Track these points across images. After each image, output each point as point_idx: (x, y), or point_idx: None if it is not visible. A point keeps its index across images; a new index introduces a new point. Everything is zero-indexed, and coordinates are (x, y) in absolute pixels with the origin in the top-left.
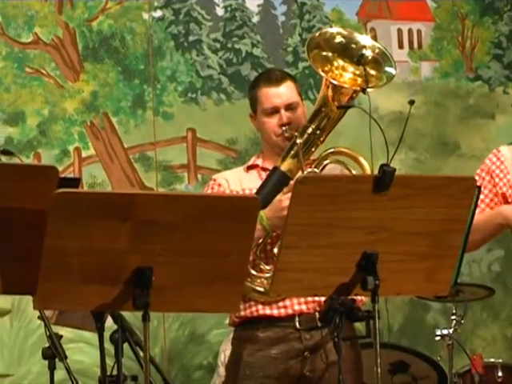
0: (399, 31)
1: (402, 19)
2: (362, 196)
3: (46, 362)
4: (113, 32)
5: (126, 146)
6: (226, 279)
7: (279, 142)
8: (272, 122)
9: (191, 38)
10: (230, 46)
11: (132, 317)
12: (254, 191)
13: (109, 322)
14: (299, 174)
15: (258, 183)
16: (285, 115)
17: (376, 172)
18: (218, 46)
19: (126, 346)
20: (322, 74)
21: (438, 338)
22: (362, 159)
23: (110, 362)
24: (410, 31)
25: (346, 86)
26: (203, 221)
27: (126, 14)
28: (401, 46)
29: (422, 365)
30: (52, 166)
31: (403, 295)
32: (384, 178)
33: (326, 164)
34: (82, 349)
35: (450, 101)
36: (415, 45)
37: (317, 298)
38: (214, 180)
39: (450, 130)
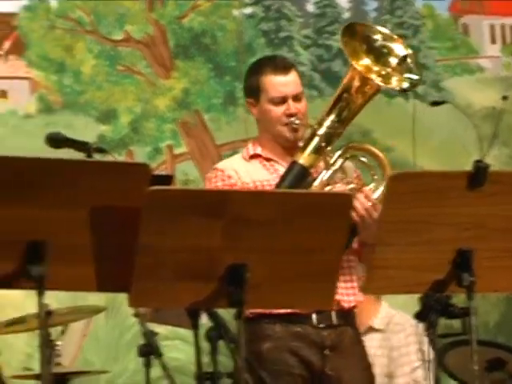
0: (492, 27)
1: (494, 14)
2: (456, 192)
3: (142, 360)
4: (203, 29)
5: (217, 143)
6: (319, 276)
7: (284, 131)
8: (278, 111)
9: (282, 35)
10: (320, 42)
11: (227, 314)
12: (266, 184)
13: (204, 319)
14: (322, 166)
15: (265, 174)
16: (293, 105)
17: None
18: (309, 42)
19: (221, 343)
20: (355, 64)
21: None
22: (384, 158)
23: (205, 359)
24: (502, 26)
25: (379, 82)
26: (296, 218)
27: (217, 11)
28: (493, 41)
29: None
30: (144, 163)
31: (500, 292)
32: (478, 175)
33: (346, 159)
34: (178, 346)
35: None
36: (508, 40)
37: (337, 297)
38: (222, 171)
39: None
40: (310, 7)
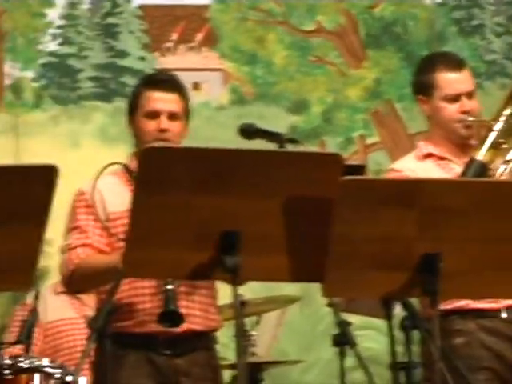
0: None
1: None
2: None
3: (336, 349)
4: (394, 18)
5: (410, 132)
6: None
7: (458, 129)
8: (452, 109)
9: (474, 23)
10: None
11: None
12: None
13: (398, 309)
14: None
15: (441, 173)
16: (467, 103)
17: None
18: (501, 30)
19: (415, 332)
20: None
21: None
22: None
23: (400, 349)
24: None
25: None
26: (489, 206)
27: (408, 0)
28: None
29: None
30: (336, 153)
31: None
32: None
33: None
34: (372, 336)
35: None
36: None
37: None
38: (400, 172)
39: None
40: None
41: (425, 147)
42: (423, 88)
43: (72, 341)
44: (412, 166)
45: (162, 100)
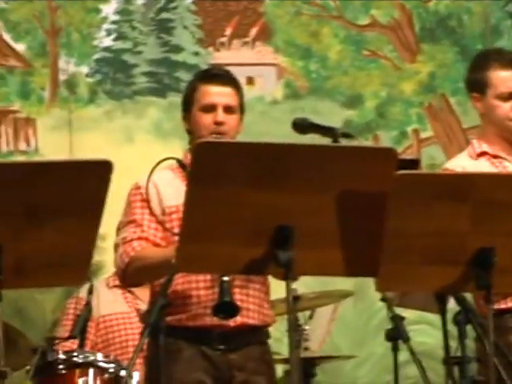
0: None
1: None
2: None
3: (389, 344)
4: (449, 12)
5: (464, 126)
6: None
7: None
8: (506, 107)
9: None
10: None
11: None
12: None
13: (451, 304)
14: None
15: (494, 171)
16: None
17: None
18: None
19: (469, 327)
20: None
21: None
22: None
23: (453, 343)
24: None
25: None
26: None
27: None
28: None
29: None
30: (391, 147)
31: None
32: None
33: None
34: (425, 330)
35: None
36: None
37: None
38: (452, 171)
39: None
40: None
41: (478, 145)
42: (477, 86)
43: (124, 335)
44: (465, 165)
45: (218, 94)
